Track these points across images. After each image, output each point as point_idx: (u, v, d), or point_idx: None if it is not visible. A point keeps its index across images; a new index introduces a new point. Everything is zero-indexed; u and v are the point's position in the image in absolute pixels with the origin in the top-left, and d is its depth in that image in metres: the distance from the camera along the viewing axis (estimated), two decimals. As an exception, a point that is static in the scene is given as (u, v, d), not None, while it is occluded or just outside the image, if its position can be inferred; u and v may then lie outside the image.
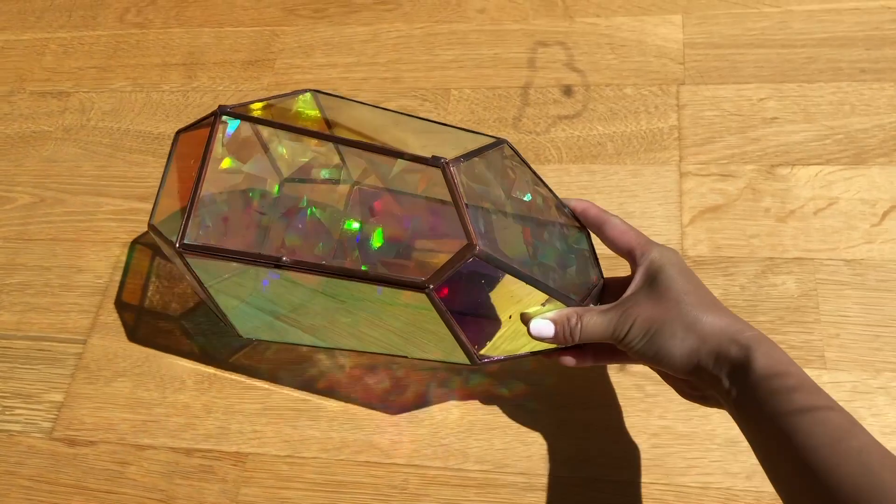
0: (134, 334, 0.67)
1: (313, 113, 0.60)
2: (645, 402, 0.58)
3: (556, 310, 0.49)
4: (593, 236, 0.54)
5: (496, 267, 0.46)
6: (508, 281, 0.47)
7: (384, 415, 0.60)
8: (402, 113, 0.59)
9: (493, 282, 0.48)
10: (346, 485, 0.57)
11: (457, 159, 0.47)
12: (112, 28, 0.88)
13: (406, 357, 0.55)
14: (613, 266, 0.56)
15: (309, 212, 0.58)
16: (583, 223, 0.54)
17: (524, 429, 0.58)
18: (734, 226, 0.64)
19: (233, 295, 0.55)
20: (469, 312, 0.49)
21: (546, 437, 0.57)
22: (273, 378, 0.63)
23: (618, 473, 0.55)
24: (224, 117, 0.53)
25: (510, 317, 0.50)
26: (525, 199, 0.52)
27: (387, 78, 0.78)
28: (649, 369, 0.55)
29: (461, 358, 0.50)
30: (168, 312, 0.67)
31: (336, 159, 0.60)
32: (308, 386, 0.62)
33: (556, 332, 0.48)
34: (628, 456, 0.56)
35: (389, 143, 0.55)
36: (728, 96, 0.70)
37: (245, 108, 0.55)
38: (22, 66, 0.87)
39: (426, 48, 0.79)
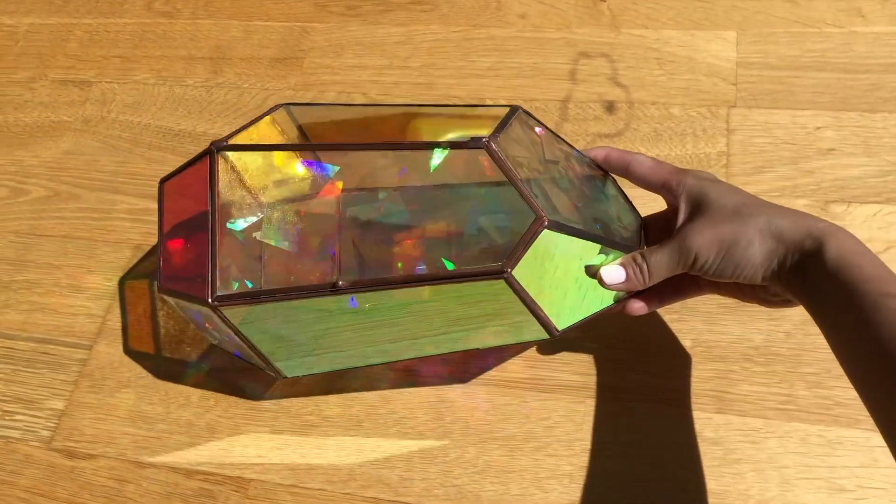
0: (141, 343, 0.64)
1: (290, 128, 0.57)
2: (669, 451, 0.54)
3: (619, 257, 0.48)
4: (620, 180, 0.53)
5: (567, 234, 0.44)
6: (570, 245, 0.45)
7: (394, 447, 0.57)
8: (383, 105, 0.55)
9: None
10: (352, 521, 0.54)
11: (493, 135, 0.45)
12: (139, 16, 0.86)
13: (468, 349, 0.53)
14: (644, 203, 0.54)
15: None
16: (607, 170, 0.53)
17: (543, 475, 0.54)
18: (782, 265, 0.59)
19: (271, 335, 0.52)
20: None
21: (566, 486, 0.54)
22: (280, 401, 0.59)
23: (641, 530, 0.52)
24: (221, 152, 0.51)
25: (576, 279, 0.48)
26: (556, 161, 0.51)
27: (419, 83, 0.74)
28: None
29: (535, 335, 0.49)
30: (177, 323, 0.64)
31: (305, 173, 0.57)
32: (317, 412, 0.59)
33: (629, 275, 0.47)
34: (654, 511, 0.52)
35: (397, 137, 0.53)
36: (782, 123, 0.65)
37: (234, 140, 0.52)
38: (45, 52, 0.85)
39: (462, 53, 0.75)
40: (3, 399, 0.63)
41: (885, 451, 0.51)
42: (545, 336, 0.48)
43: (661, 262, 0.47)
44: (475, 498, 0.54)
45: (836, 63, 0.68)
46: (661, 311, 0.59)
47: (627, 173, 0.51)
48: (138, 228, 0.70)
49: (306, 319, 0.51)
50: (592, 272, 0.48)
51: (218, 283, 0.48)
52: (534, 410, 0.57)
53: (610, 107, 0.70)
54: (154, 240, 0.69)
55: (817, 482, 0.51)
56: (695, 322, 0.58)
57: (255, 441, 0.58)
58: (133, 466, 0.59)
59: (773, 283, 0.44)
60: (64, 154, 0.76)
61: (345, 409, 0.58)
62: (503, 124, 0.47)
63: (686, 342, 0.57)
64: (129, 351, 0.63)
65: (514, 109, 0.50)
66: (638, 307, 0.50)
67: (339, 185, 0.57)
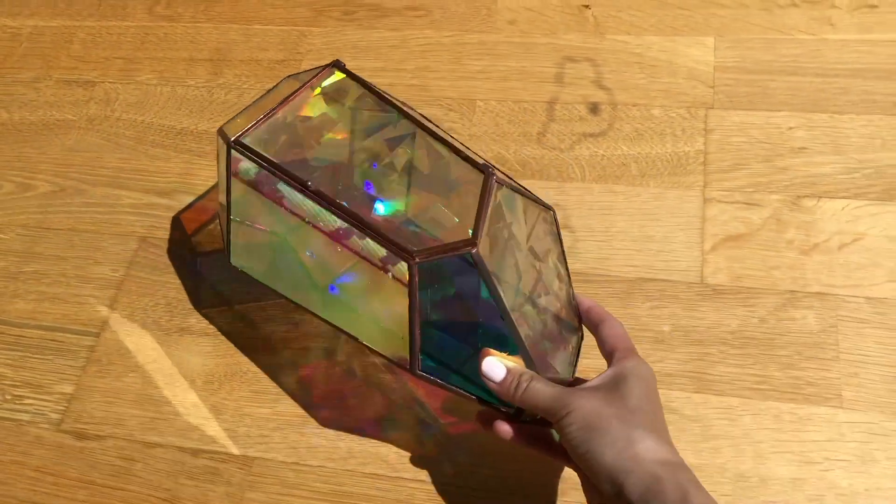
0: (147, 330, 0.66)
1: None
2: (656, 430, 0.57)
3: (514, 364, 0.47)
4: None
5: (481, 275, 0.45)
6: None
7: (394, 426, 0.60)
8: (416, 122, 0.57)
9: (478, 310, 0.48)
10: (352, 496, 0.57)
11: (502, 179, 0.49)
12: (141, 20, 0.88)
13: (353, 338, 0.53)
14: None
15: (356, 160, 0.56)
16: (584, 319, 0.54)
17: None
18: (756, 256, 0.63)
19: (246, 217, 0.55)
20: (443, 326, 0.49)
21: (565, 465, 0.57)
22: (282, 383, 0.62)
23: (625, 501, 0.55)
24: (335, 69, 0.57)
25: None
26: (541, 259, 0.52)
27: (413, 85, 0.78)
28: (663, 399, 0.55)
29: (401, 354, 0.49)
30: (182, 311, 0.67)
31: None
32: (317, 392, 0.62)
33: (504, 380, 0.46)
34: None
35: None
36: (757, 123, 0.69)
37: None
38: (49, 53, 0.87)
39: (454, 57, 0.79)
40: (13, 384, 0.66)
41: (851, 426, 0.55)
42: (406, 361, 0.49)
43: (539, 394, 0.45)
44: (471, 474, 0.57)
45: (807, 68, 0.72)
46: (641, 296, 0.62)
47: (596, 329, 0.52)
48: (143, 222, 0.73)
49: (280, 227, 0.54)
50: (482, 355, 0.48)
51: (249, 133, 0.53)
52: (524, 391, 0.60)
53: (594, 108, 0.73)
54: (160, 233, 0.72)
55: (788, 455, 0.55)
56: (674, 308, 0.61)
57: (257, 422, 0.61)
58: (141, 446, 0.61)
59: (614, 499, 0.42)
60: (69, 151, 0.79)
61: (345, 390, 0.61)
62: (523, 191, 0.51)
63: (664, 327, 0.61)
64: (136, 338, 0.66)
65: (546, 206, 0.53)
66: (504, 430, 0.49)
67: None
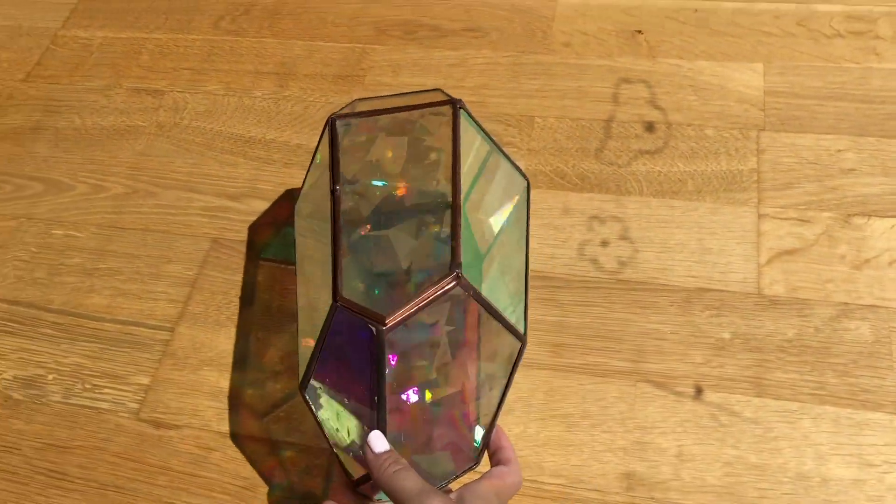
0: (221, 327, 0.69)
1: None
2: (719, 430, 0.59)
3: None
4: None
5: (379, 356, 0.48)
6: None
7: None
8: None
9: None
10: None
11: (467, 288, 0.49)
12: (206, 33, 0.92)
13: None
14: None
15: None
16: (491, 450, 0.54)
17: (599, 449, 0.60)
18: (810, 269, 0.66)
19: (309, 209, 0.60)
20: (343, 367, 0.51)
21: (621, 459, 0.59)
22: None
23: (689, 498, 0.57)
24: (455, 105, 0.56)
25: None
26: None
27: (472, 101, 0.81)
28: (724, 402, 0.58)
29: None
30: (256, 310, 0.70)
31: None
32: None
33: (381, 454, 0.48)
34: (699, 482, 0.58)
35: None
36: (807, 145, 0.73)
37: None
38: (119, 63, 0.91)
39: (511, 76, 0.83)
40: (93, 374, 0.68)
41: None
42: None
43: (408, 481, 0.47)
44: (537, 467, 0.59)
45: (854, 94, 0.75)
46: (700, 305, 0.65)
47: (496, 449, 0.53)
48: (215, 224, 0.75)
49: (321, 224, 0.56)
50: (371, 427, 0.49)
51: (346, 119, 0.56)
52: (589, 392, 0.62)
53: (650, 127, 0.77)
54: (231, 235, 0.74)
55: (848, 458, 0.57)
56: (733, 317, 0.64)
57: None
58: (217, 436, 0.63)
59: None
60: (140, 155, 0.82)
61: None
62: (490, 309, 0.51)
63: (725, 334, 0.64)
64: (210, 333, 0.69)
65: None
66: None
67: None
